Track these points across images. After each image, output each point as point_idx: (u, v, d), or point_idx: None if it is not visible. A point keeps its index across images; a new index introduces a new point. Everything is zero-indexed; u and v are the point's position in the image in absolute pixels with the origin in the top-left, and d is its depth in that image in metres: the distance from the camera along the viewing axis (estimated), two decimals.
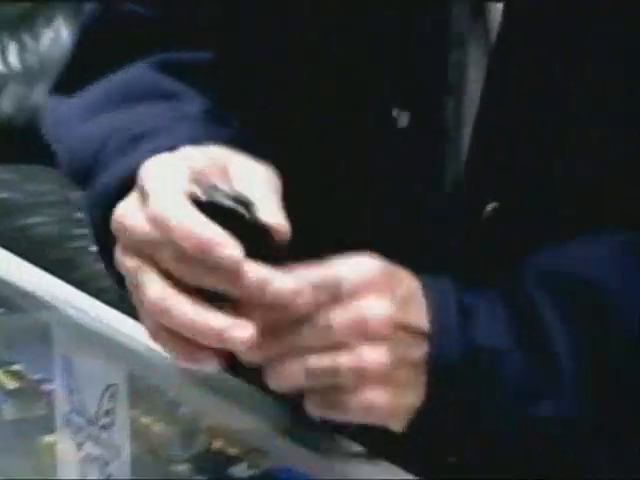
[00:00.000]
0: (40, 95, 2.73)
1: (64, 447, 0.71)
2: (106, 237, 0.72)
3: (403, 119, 0.83)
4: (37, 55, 2.87)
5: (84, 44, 0.95)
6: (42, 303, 0.76)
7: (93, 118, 0.86)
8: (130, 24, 0.94)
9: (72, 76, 0.93)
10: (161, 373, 0.74)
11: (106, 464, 0.69)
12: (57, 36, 2.88)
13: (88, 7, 1.03)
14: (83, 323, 0.73)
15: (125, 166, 0.76)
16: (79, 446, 0.70)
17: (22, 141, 2.68)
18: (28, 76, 2.84)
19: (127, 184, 0.72)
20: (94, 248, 0.82)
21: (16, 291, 0.84)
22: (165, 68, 0.90)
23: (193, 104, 0.85)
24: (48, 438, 0.75)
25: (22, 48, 2.84)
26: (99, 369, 0.66)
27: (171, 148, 0.76)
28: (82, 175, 0.83)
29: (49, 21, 2.90)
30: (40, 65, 2.86)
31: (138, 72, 0.89)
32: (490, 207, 0.90)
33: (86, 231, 1.48)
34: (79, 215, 2.31)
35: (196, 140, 0.78)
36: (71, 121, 0.88)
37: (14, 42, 2.91)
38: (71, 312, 0.76)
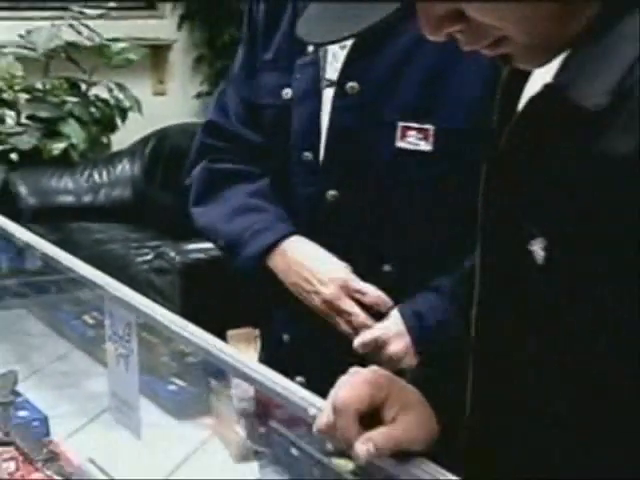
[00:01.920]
0: None
1: (110, 348, 1.35)
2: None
3: None
4: None
5: (209, 169, 1.57)
6: (100, 286, 1.49)
7: (230, 221, 1.51)
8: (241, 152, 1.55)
9: (204, 194, 1.55)
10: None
11: (127, 357, 1.39)
12: None
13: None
14: (116, 295, 1.44)
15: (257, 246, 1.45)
16: (116, 349, 1.35)
17: None
18: None
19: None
20: None
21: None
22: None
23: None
24: (105, 345, 1.39)
25: None
26: (123, 315, 1.39)
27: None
28: (229, 251, 1.50)
29: None
30: None
31: (246, 195, 1.52)
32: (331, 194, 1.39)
33: None
34: None
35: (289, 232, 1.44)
36: (218, 223, 1.53)
37: None
38: (116, 291, 1.48)
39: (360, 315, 1.40)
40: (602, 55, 0.74)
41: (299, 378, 1.43)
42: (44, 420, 1.42)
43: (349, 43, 1.36)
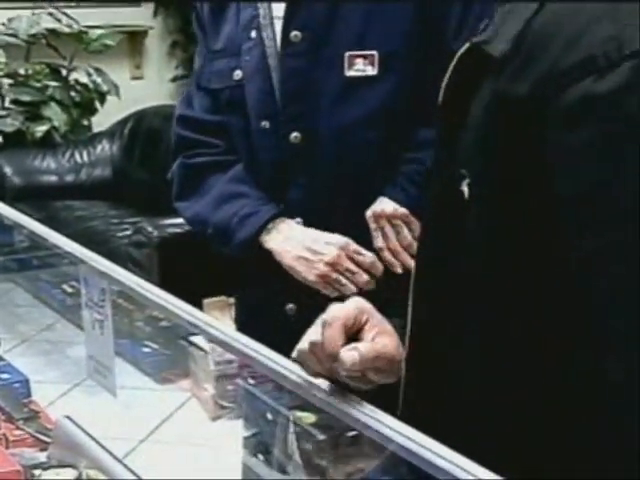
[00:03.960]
0: None
1: (86, 314, 1.34)
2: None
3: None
4: None
5: (185, 165, 1.58)
6: (78, 258, 1.48)
7: (215, 210, 1.52)
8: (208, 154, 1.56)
9: (185, 189, 1.57)
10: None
11: (102, 322, 1.39)
12: None
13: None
14: (91, 265, 1.45)
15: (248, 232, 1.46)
16: (91, 315, 1.33)
17: None
18: None
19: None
20: None
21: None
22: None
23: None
24: (82, 312, 1.36)
25: None
26: (97, 282, 1.39)
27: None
28: (220, 239, 1.51)
29: None
30: None
31: (224, 184, 1.53)
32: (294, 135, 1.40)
33: None
34: None
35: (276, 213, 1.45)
36: (203, 214, 1.53)
37: None
38: (90, 261, 1.49)
39: (363, 274, 1.42)
40: (509, 14, 0.80)
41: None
42: (25, 382, 1.41)
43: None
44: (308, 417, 1.06)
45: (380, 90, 1.41)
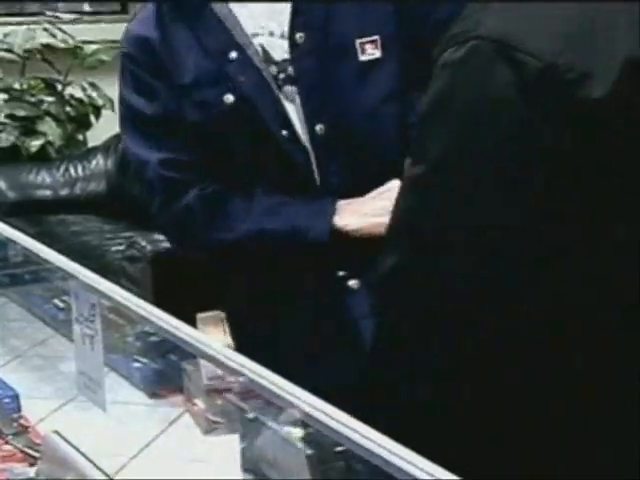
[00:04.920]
0: None
1: (76, 329, 1.33)
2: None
3: None
4: None
5: (202, 197, 1.54)
6: (66, 271, 1.47)
7: (269, 222, 1.53)
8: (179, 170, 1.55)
9: (212, 220, 1.54)
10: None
11: (92, 337, 1.40)
12: None
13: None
14: (81, 280, 1.44)
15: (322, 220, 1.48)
16: (81, 330, 1.32)
17: None
18: None
19: None
20: None
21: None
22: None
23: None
24: (73, 327, 1.38)
25: None
26: (87, 298, 1.38)
27: None
28: (290, 241, 1.51)
29: None
30: None
31: (259, 201, 1.53)
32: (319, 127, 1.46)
33: None
34: None
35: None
36: (251, 232, 1.53)
37: None
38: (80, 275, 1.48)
39: None
40: None
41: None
42: (15, 397, 1.41)
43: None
44: (296, 432, 1.05)
45: (388, 69, 1.52)
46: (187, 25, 1.51)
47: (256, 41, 1.49)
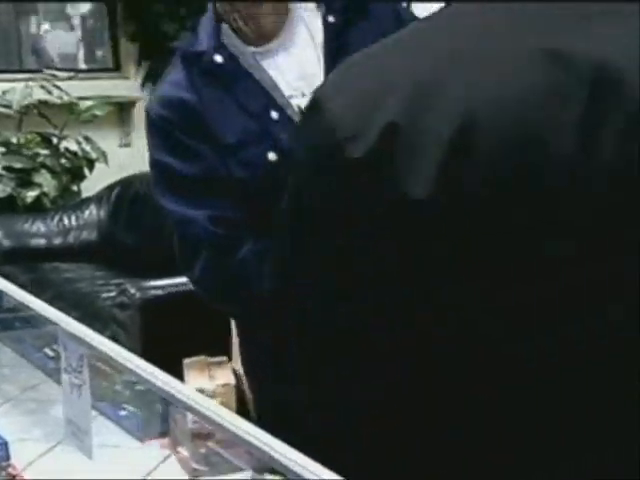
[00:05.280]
0: None
1: (65, 378, 1.38)
2: None
3: None
4: None
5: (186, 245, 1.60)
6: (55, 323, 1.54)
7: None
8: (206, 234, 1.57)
9: (187, 262, 1.59)
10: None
11: (80, 386, 1.38)
12: None
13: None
14: (70, 331, 1.45)
15: None
16: (70, 379, 1.37)
17: None
18: None
19: None
20: None
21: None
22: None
23: None
24: (61, 376, 1.41)
25: None
26: (76, 349, 1.41)
27: None
28: None
29: None
30: None
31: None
32: None
33: None
34: None
35: None
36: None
37: None
38: (68, 327, 1.55)
39: None
40: None
41: None
42: (4, 445, 1.44)
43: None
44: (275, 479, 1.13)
45: None
46: (223, 88, 1.55)
47: (293, 102, 1.56)
